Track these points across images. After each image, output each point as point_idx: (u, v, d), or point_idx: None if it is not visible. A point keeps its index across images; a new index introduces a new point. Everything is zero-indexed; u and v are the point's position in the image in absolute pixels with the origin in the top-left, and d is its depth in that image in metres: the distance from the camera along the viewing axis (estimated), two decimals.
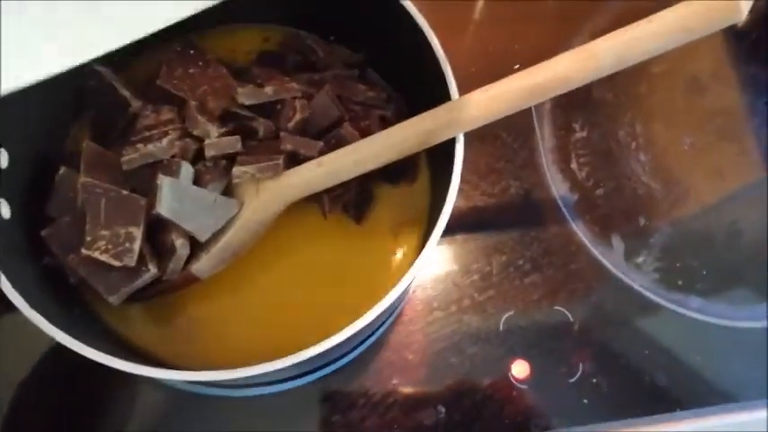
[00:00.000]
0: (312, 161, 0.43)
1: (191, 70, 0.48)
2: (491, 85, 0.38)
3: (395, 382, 0.48)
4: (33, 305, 0.36)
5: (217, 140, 0.44)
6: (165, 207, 0.40)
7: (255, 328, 0.47)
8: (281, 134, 0.45)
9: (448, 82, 0.42)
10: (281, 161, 0.43)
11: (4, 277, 0.37)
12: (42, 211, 0.45)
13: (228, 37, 0.54)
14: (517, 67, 0.57)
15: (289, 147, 0.44)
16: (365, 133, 0.46)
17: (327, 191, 0.46)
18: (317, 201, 0.48)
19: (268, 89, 0.46)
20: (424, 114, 0.41)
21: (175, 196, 0.41)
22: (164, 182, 0.40)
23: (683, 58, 0.58)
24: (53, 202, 0.45)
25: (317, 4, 0.51)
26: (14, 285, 0.37)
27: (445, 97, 0.42)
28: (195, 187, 0.42)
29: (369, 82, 0.51)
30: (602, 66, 0.36)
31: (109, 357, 0.36)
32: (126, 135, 0.47)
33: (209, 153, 0.44)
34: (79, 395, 0.47)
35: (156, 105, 0.48)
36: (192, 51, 0.49)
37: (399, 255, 0.49)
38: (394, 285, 0.47)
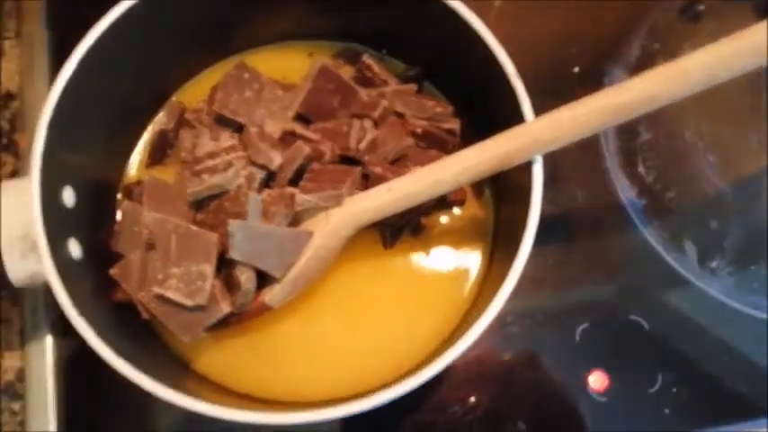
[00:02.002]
0: (382, 186, 0.42)
1: (246, 94, 0.47)
2: (574, 104, 0.37)
3: (473, 400, 0.47)
4: (103, 338, 0.36)
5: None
6: (238, 251, 0.39)
7: (328, 357, 0.46)
8: (367, 161, 0.44)
9: (520, 100, 0.40)
10: (343, 191, 0.42)
11: (77, 315, 0.36)
12: (108, 244, 0.44)
13: (278, 56, 0.52)
14: (576, 70, 0.56)
15: (377, 171, 0.43)
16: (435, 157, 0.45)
17: (387, 221, 0.45)
18: (379, 230, 0.47)
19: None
20: (500, 136, 0.39)
21: (247, 238, 0.40)
22: (235, 226, 0.39)
23: None
24: (118, 236, 0.44)
25: (369, 17, 0.50)
26: (89, 323, 0.36)
27: (516, 115, 0.41)
28: (265, 226, 0.41)
29: (433, 97, 0.49)
30: (694, 83, 0.34)
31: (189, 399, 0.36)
32: (185, 161, 0.46)
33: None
34: None
35: (213, 131, 0.47)
36: (246, 75, 0.48)
37: (464, 277, 0.48)
38: (469, 309, 0.47)
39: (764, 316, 0.51)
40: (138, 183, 0.46)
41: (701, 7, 0.57)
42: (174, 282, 0.40)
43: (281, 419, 0.36)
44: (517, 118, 0.41)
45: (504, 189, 0.47)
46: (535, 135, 0.37)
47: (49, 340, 0.47)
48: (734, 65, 0.34)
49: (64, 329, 0.47)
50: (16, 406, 0.47)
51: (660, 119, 0.54)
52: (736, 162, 0.53)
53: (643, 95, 0.35)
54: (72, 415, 0.46)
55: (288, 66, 0.52)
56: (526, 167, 0.40)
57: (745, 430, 0.49)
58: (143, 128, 0.49)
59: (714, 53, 0.34)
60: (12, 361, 0.47)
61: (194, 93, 0.51)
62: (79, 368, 0.47)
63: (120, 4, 0.40)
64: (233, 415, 0.36)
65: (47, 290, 0.47)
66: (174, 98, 0.51)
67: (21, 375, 0.47)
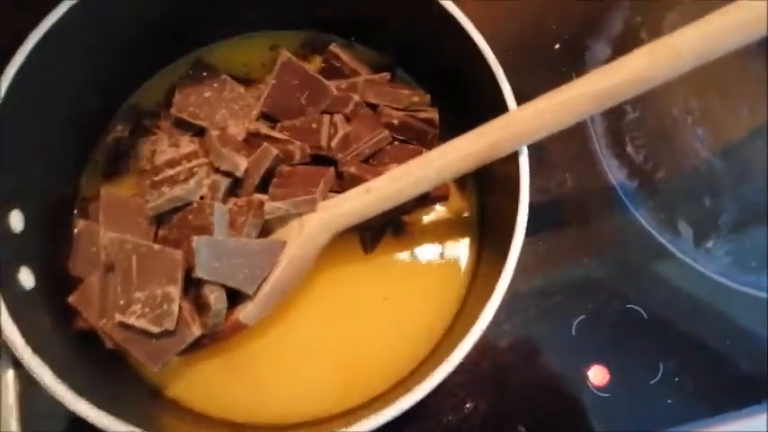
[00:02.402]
0: (360, 187, 0.39)
1: (206, 94, 0.44)
2: (557, 90, 0.34)
3: (469, 405, 0.45)
4: (63, 377, 0.32)
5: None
6: (204, 270, 0.36)
7: (312, 372, 0.43)
8: (341, 159, 0.41)
9: (501, 86, 0.37)
10: (317, 195, 0.39)
11: (31, 354, 0.32)
12: (65, 268, 0.41)
13: (239, 49, 0.49)
14: (557, 47, 0.53)
15: (352, 170, 0.40)
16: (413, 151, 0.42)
17: (366, 223, 0.42)
18: (358, 233, 0.44)
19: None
20: (483, 127, 0.36)
21: (214, 255, 0.36)
22: (199, 243, 0.36)
23: None
24: (75, 259, 0.41)
25: (335, 2, 0.46)
26: (45, 361, 0.33)
27: (497, 100, 0.38)
28: (234, 239, 0.38)
29: (408, 86, 0.46)
30: (685, 62, 0.32)
31: None
32: (144, 170, 0.43)
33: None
34: None
35: (172, 136, 0.44)
36: (204, 73, 0.44)
37: (452, 276, 0.45)
38: (459, 310, 0.44)
39: (764, 295, 0.49)
40: (94, 198, 0.42)
41: None
42: (138, 307, 0.36)
43: None
44: (498, 103, 0.38)
45: (488, 179, 0.44)
46: (521, 125, 0.34)
47: (10, 374, 0.43)
48: (730, 39, 0.31)
49: None
50: None
51: (646, 96, 0.49)
52: (727, 134, 0.51)
53: (632, 77, 0.32)
54: None
55: (250, 60, 0.48)
56: (512, 157, 0.37)
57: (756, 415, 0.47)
58: (96, 137, 0.45)
59: (707, 28, 0.31)
60: None
61: (151, 94, 0.47)
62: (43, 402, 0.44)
63: (58, 8, 0.36)
64: None
65: None
66: (128, 102, 0.47)
67: None
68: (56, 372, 0.32)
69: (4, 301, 0.33)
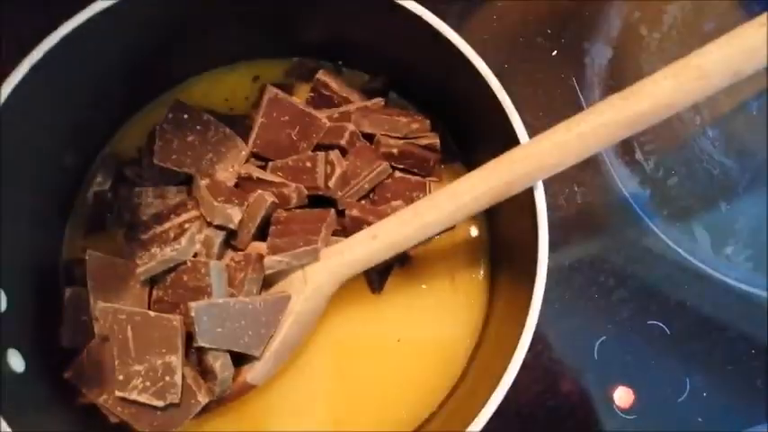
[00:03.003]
0: (364, 232, 0.36)
1: (189, 138, 0.41)
2: (575, 119, 0.31)
3: None
4: None
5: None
6: (206, 337, 0.34)
7: (325, 420, 0.41)
8: (340, 198, 0.38)
9: (506, 109, 0.35)
10: (318, 244, 0.36)
11: None
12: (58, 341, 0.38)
13: (219, 83, 0.45)
14: (555, 53, 0.50)
15: (355, 213, 0.37)
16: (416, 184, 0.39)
17: None
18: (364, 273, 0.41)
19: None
20: (495, 163, 0.33)
21: (215, 320, 0.34)
22: (196, 310, 0.33)
23: (730, 6, 0.51)
24: (66, 331, 0.38)
25: (319, 26, 0.43)
26: None
27: (501, 123, 0.35)
28: (234, 300, 0.35)
29: (405, 111, 0.43)
30: (713, 85, 0.29)
31: None
32: (130, 226, 0.40)
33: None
34: None
35: (157, 186, 0.41)
36: (185, 115, 0.41)
37: (467, 307, 0.43)
38: (477, 347, 0.42)
39: None
40: (79, 261, 0.39)
41: None
42: (139, 381, 0.34)
43: None
44: (501, 124, 0.35)
45: (498, 208, 0.42)
46: (537, 160, 0.32)
47: None
48: (754, 60, 0.28)
49: None
50: None
51: None
52: (738, 134, 0.49)
53: (656, 103, 0.30)
54: None
55: (232, 94, 0.45)
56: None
57: None
58: (76, 192, 0.43)
59: (732, 48, 0.29)
60: None
61: (130, 140, 0.44)
62: None
63: (20, 67, 0.33)
64: None
65: None
66: (107, 151, 0.44)
67: None
68: None
69: None
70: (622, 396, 0.44)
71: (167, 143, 0.40)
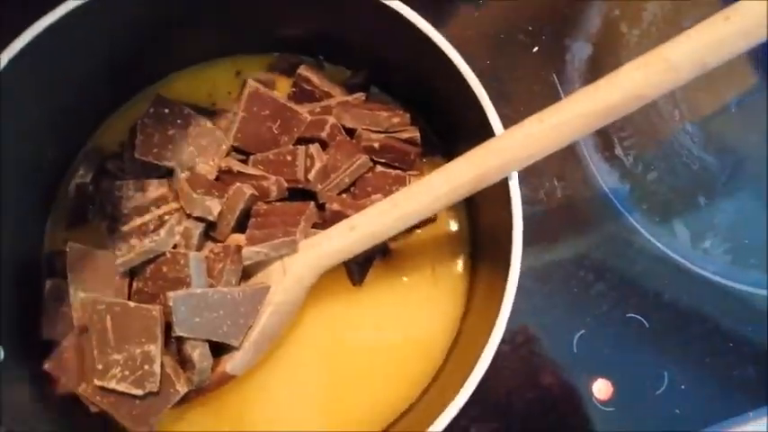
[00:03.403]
0: (343, 224, 0.37)
1: (170, 132, 0.41)
2: (547, 111, 0.32)
3: (473, 430, 0.43)
4: None
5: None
6: (184, 327, 0.34)
7: (304, 414, 0.41)
8: (320, 191, 0.39)
9: (483, 104, 0.35)
10: (297, 236, 0.37)
11: None
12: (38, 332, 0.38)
13: (201, 78, 0.46)
14: (536, 50, 0.51)
15: (335, 207, 0.38)
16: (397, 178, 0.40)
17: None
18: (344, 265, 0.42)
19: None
20: (471, 156, 0.34)
21: (194, 310, 0.34)
22: (177, 299, 0.34)
23: (710, 3, 0.51)
24: (46, 322, 0.38)
25: (300, 22, 0.44)
26: None
27: (480, 116, 0.36)
28: (213, 290, 0.35)
29: (386, 105, 0.43)
30: (682, 77, 0.30)
31: None
32: (111, 218, 0.40)
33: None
34: None
35: (138, 179, 0.41)
36: (166, 110, 0.41)
37: (447, 296, 0.43)
38: (457, 337, 0.42)
39: (765, 293, 0.47)
40: (61, 253, 0.39)
41: None
42: (118, 370, 0.34)
43: None
44: (481, 116, 0.35)
45: (477, 197, 0.42)
46: (511, 152, 0.32)
47: None
48: (728, 49, 0.29)
49: None
50: None
51: None
52: (717, 130, 0.49)
53: (627, 95, 0.30)
54: None
55: (214, 89, 0.46)
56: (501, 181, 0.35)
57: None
58: (58, 185, 0.43)
59: (699, 41, 0.29)
60: None
61: (112, 134, 0.44)
62: None
63: (7, 49, 0.33)
64: None
65: None
66: (89, 145, 0.44)
67: None
68: None
69: None
70: (601, 388, 0.45)
71: (148, 137, 0.40)
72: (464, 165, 0.33)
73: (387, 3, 0.36)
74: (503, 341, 0.44)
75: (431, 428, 0.33)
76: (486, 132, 0.35)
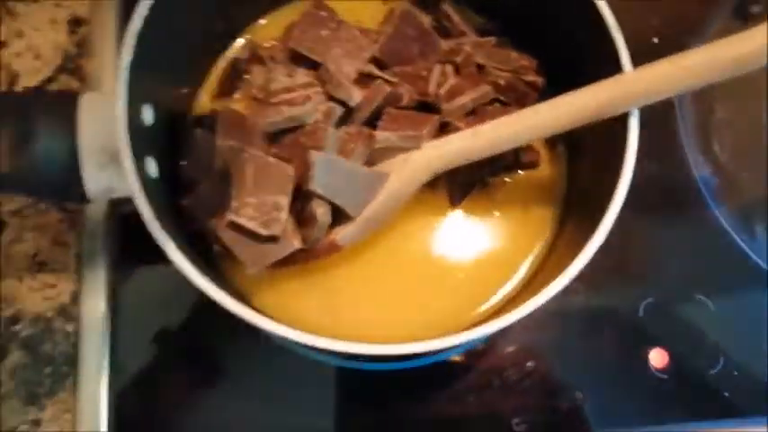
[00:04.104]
0: (466, 131, 0.41)
1: (323, 32, 0.46)
2: (681, 55, 0.35)
3: (530, 365, 0.46)
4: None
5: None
6: (318, 184, 0.38)
7: (384, 306, 0.45)
8: (445, 108, 0.43)
9: (619, 50, 0.39)
10: (423, 132, 0.41)
11: (159, 228, 0.35)
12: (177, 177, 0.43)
13: (353, 1, 0.51)
14: (656, 41, 0.55)
15: (459, 124, 0.42)
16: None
17: (451, 177, 0.44)
18: (447, 186, 0.46)
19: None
20: (595, 85, 0.38)
21: (328, 173, 0.39)
22: (317, 159, 0.38)
23: None
24: (190, 162, 0.43)
25: None
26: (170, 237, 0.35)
27: (612, 68, 0.39)
28: (346, 161, 0.40)
29: (515, 50, 0.48)
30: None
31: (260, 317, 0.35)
32: (259, 93, 0.45)
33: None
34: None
35: (287, 68, 0.46)
36: (323, 13, 0.46)
37: (532, 238, 0.46)
38: (536, 272, 0.46)
39: None
40: (212, 112, 0.44)
41: None
42: (250, 210, 0.39)
43: (352, 348, 0.35)
44: (612, 73, 0.39)
45: (583, 147, 0.46)
46: (634, 86, 0.36)
47: (103, 265, 0.46)
48: (731, 70, 0.33)
49: (120, 256, 0.47)
50: (70, 327, 0.46)
51: (736, 96, 0.52)
52: None
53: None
54: (123, 341, 0.46)
55: (363, 11, 0.51)
56: (613, 125, 0.39)
57: None
58: (214, 60, 0.48)
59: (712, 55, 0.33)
60: (66, 284, 0.46)
61: (266, 32, 0.50)
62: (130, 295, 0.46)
63: None
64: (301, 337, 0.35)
65: (107, 214, 0.47)
66: (246, 36, 0.49)
67: (75, 298, 0.46)
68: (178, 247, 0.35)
69: (139, 179, 0.35)
70: (657, 356, 0.48)
71: (303, 32, 0.45)
72: (588, 90, 0.37)
73: None
74: (573, 289, 0.47)
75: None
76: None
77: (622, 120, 0.38)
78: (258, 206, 0.39)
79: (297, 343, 0.35)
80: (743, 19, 0.56)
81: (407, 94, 0.44)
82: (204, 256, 0.42)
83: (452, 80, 0.44)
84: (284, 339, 0.35)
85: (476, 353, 0.47)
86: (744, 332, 0.48)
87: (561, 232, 0.47)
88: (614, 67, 0.39)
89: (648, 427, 0.47)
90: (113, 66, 0.49)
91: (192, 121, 0.46)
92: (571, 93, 0.38)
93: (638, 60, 0.52)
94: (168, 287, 0.46)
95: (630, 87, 0.36)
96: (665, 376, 0.47)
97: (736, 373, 0.47)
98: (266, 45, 0.49)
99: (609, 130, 0.39)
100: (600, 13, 0.40)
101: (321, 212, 0.39)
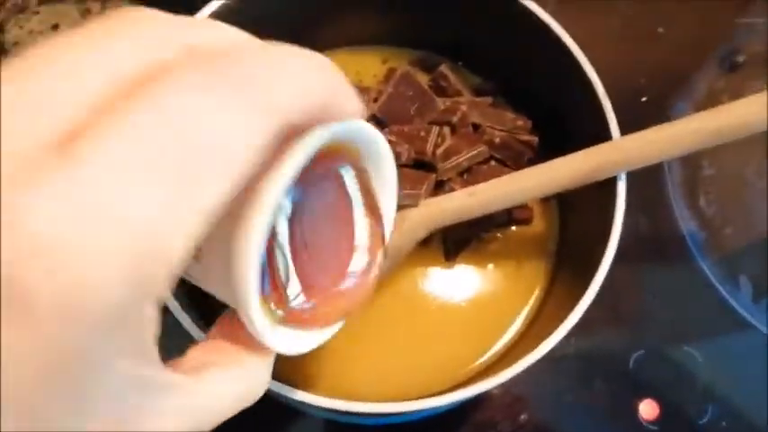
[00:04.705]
0: (463, 190, 0.42)
1: None
2: (666, 125, 0.38)
3: (524, 417, 0.47)
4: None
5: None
6: None
7: (381, 361, 0.45)
8: (441, 168, 0.44)
9: (608, 117, 0.41)
10: (422, 191, 0.43)
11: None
12: None
13: (353, 59, 0.53)
14: (644, 99, 0.57)
15: (454, 186, 0.44)
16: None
17: (446, 234, 0.45)
18: (441, 242, 0.48)
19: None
20: (587, 150, 0.40)
21: None
22: None
23: None
24: None
25: (447, 27, 0.51)
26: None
27: (599, 133, 0.41)
28: None
29: (510, 110, 0.50)
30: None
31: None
32: None
33: None
34: None
35: None
36: None
37: (525, 292, 0.48)
38: (528, 327, 0.47)
39: None
40: None
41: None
42: None
43: (344, 406, 0.36)
44: (600, 136, 0.41)
45: (573, 203, 0.47)
46: (628, 151, 0.38)
47: None
48: (729, 135, 0.35)
49: None
50: None
51: (721, 154, 0.54)
52: None
53: (742, 120, 0.36)
54: None
55: (363, 70, 0.53)
56: (607, 183, 0.40)
57: None
58: None
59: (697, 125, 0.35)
60: None
61: None
62: None
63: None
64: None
65: None
66: None
67: None
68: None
69: None
70: (648, 408, 0.48)
71: None
72: (581, 155, 0.39)
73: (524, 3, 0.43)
74: (565, 344, 0.49)
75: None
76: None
77: (612, 180, 0.40)
78: None
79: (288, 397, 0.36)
80: (729, 69, 0.58)
81: (406, 152, 0.45)
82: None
83: (449, 141, 0.46)
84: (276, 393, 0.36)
85: (469, 406, 0.48)
86: (730, 382, 0.49)
87: (553, 285, 0.48)
88: (605, 131, 0.41)
89: None
90: None
91: None
92: (564, 157, 0.40)
93: (628, 119, 0.55)
94: None
95: (621, 155, 0.38)
96: (656, 428, 0.48)
97: (724, 423, 0.48)
98: None
99: (599, 189, 0.41)
100: (589, 80, 0.42)
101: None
